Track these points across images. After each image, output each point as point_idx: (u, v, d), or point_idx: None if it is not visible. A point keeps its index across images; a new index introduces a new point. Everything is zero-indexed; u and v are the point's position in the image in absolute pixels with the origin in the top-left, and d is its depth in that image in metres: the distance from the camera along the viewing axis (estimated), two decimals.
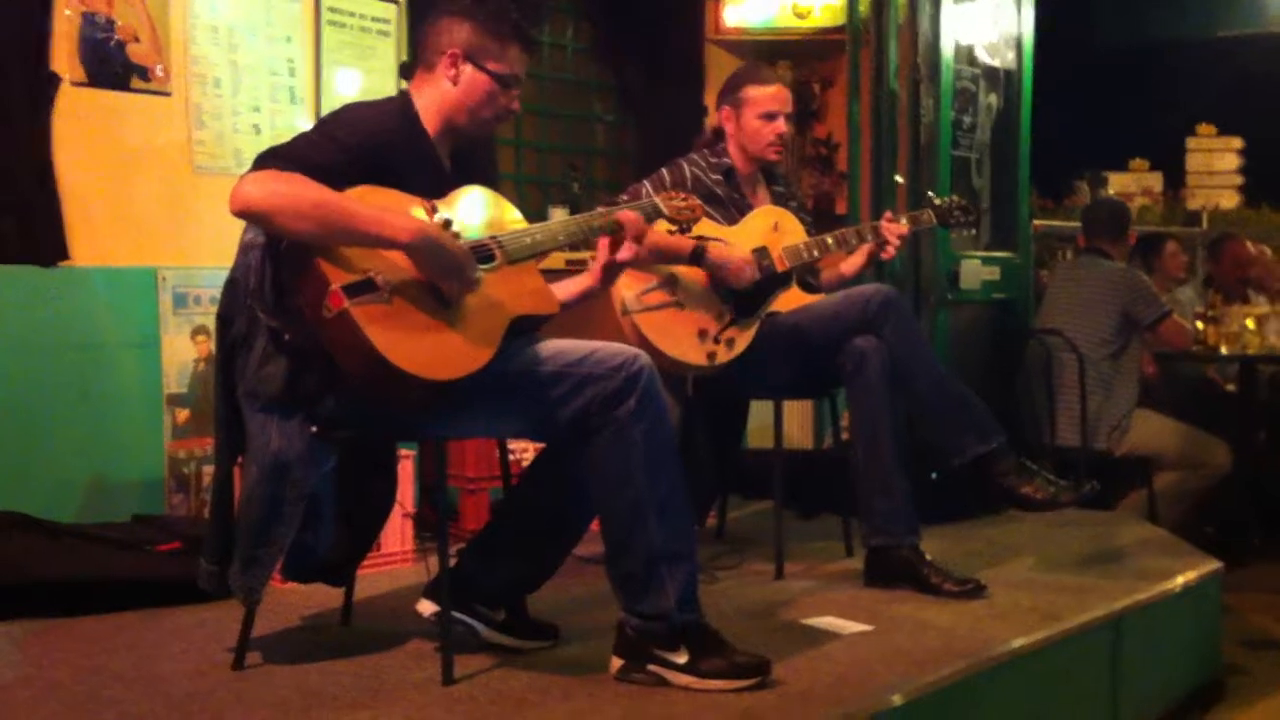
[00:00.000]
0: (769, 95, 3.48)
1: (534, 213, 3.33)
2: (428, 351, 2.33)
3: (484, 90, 2.56)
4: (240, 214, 2.32)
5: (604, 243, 2.65)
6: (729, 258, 3.32)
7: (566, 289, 2.73)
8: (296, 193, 2.26)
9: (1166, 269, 5.69)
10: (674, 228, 2.92)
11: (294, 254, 2.34)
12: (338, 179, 2.33)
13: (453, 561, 2.62)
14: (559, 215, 4.02)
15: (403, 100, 2.59)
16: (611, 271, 2.70)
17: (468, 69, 2.54)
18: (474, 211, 2.55)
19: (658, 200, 2.85)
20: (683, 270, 3.34)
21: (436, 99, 2.56)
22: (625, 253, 2.65)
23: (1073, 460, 4.59)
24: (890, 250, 3.50)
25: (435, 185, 2.51)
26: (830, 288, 3.60)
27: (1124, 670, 3.19)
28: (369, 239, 2.31)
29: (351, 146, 2.38)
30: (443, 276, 2.37)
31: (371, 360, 2.28)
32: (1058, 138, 5.48)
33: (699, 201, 2.96)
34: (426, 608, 2.65)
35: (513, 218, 2.61)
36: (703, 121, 5.28)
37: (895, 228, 3.49)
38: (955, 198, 3.76)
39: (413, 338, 2.32)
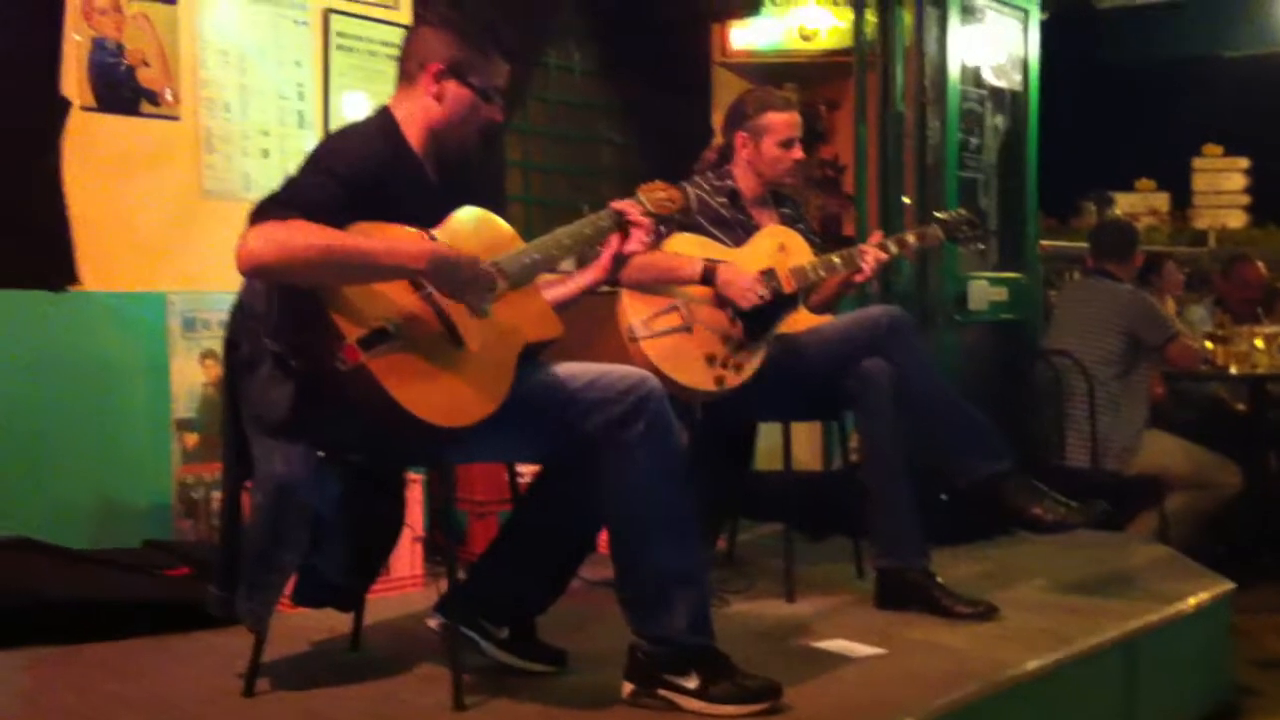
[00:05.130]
0: (787, 122, 3.49)
1: (540, 235, 3.30)
2: (446, 397, 2.32)
3: (468, 105, 2.53)
4: (250, 273, 2.28)
5: (615, 235, 2.69)
6: (737, 278, 3.32)
7: (569, 287, 2.75)
8: (303, 241, 2.21)
9: (1165, 288, 5.70)
10: (653, 219, 2.90)
11: (301, 305, 2.31)
12: (338, 215, 2.29)
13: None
14: None
15: (384, 118, 2.54)
16: (620, 262, 2.73)
17: (451, 85, 2.51)
18: (470, 236, 2.51)
19: (639, 194, 2.82)
20: (690, 294, 3.33)
21: (420, 114, 2.53)
22: (634, 243, 2.69)
23: (1083, 481, 4.57)
24: (860, 276, 3.43)
25: (426, 204, 2.49)
26: (819, 309, 3.57)
27: (1137, 692, 3.17)
28: (385, 272, 2.30)
29: (350, 178, 2.35)
30: (462, 291, 2.35)
31: (392, 412, 2.26)
32: (1064, 159, 5.48)
33: (679, 192, 2.94)
34: (433, 621, 2.66)
35: (509, 236, 2.59)
36: (710, 143, 5.29)
37: (873, 252, 3.42)
38: (962, 211, 3.74)
39: (430, 384, 2.31)
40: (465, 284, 2.35)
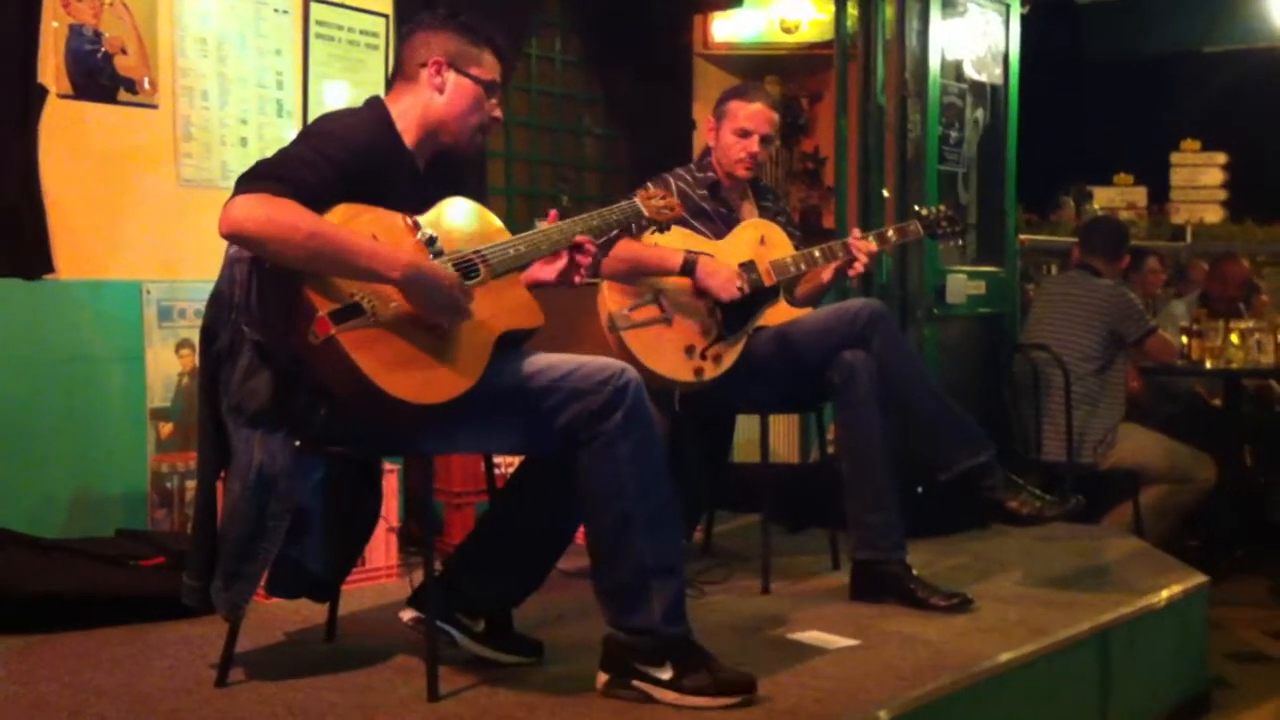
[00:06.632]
0: (747, 112, 3.48)
1: (522, 225, 3.31)
2: (417, 374, 2.32)
3: (471, 96, 2.56)
4: (230, 237, 2.30)
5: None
6: (718, 270, 3.33)
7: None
8: (292, 222, 2.23)
9: (1146, 284, 5.73)
10: (654, 228, 2.91)
11: (277, 280, 2.33)
12: (329, 197, 2.32)
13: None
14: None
15: (378, 109, 2.56)
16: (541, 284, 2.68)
17: (453, 76, 2.55)
18: (457, 225, 2.54)
19: (636, 200, 2.83)
20: (670, 285, 3.34)
21: (419, 110, 2.55)
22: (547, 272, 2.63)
23: (1058, 474, 4.60)
24: (858, 267, 3.45)
25: (415, 195, 2.50)
26: (804, 302, 3.59)
27: (1111, 684, 3.19)
28: (361, 272, 2.30)
29: (343, 162, 2.36)
30: (435, 311, 2.35)
31: (361, 386, 2.27)
32: (1043, 153, 5.49)
33: (677, 200, 2.95)
34: (408, 614, 2.66)
35: (495, 228, 2.60)
36: (691, 135, 5.30)
37: (864, 245, 3.45)
38: (941, 208, 3.75)
39: (401, 361, 2.31)
40: (438, 305, 2.35)
